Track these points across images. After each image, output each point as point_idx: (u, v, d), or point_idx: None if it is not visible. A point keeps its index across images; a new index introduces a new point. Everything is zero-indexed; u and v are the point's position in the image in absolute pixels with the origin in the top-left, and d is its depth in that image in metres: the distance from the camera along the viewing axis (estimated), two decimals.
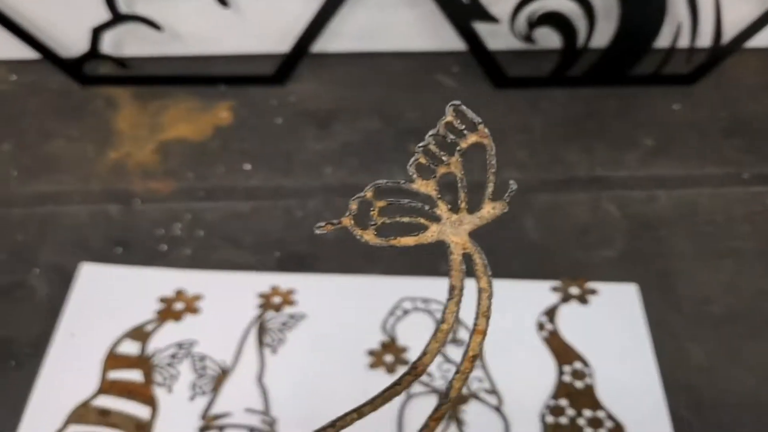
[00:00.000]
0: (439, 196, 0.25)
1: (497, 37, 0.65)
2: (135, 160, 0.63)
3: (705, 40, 0.64)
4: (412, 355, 0.49)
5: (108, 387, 0.48)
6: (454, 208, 0.25)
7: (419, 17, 0.67)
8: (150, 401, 0.47)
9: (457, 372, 0.23)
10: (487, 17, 0.63)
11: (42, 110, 0.67)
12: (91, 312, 0.52)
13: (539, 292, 0.53)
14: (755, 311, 0.52)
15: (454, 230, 0.24)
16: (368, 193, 0.24)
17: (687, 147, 0.63)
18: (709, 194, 0.59)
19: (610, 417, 0.47)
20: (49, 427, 0.46)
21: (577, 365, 0.49)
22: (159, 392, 0.48)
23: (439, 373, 0.49)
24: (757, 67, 0.69)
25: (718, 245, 0.56)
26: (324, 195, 0.60)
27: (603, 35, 0.64)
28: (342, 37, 0.68)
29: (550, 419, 0.47)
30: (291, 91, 0.68)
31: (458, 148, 0.24)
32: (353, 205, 0.24)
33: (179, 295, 0.53)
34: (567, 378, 0.48)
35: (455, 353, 0.50)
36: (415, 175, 0.24)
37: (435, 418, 0.23)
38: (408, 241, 0.24)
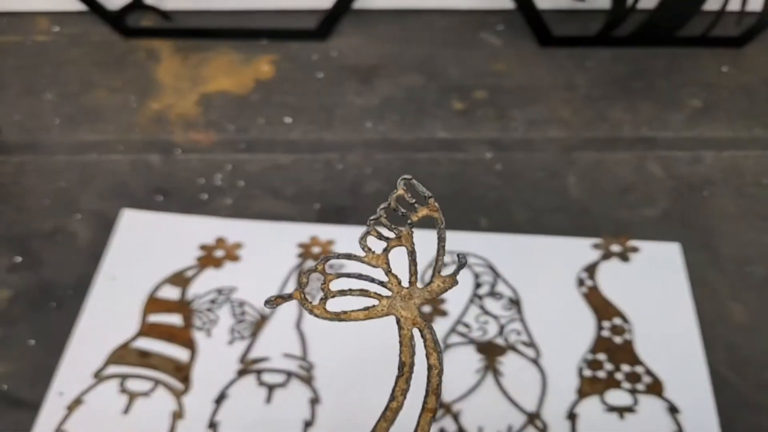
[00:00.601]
0: (389, 269, 0.24)
1: None
2: (176, 112, 0.63)
3: (756, 3, 0.62)
4: (449, 307, 0.49)
5: (148, 330, 0.49)
6: (405, 282, 0.24)
7: None
8: (189, 344, 0.48)
9: None
10: None
11: (84, 61, 0.68)
12: (131, 257, 0.52)
13: (580, 249, 0.52)
14: None
15: (404, 304, 0.24)
16: (320, 267, 0.24)
17: (734, 109, 0.62)
18: (756, 156, 0.58)
19: (649, 372, 0.46)
20: (89, 367, 0.47)
21: (617, 321, 0.48)
22: (198, 336, 0.48)
23: (476, 324, 0.48)
24: None
25: (763, 207, 0.55)
26: (364, 149, 0.59)
27: None
28: None
29: (587, 373, 0.46)
30: (332, 46, 0.68)
31: (409, 221, 0.24)
32: (304, 279, 0.24)
33: (220, 242, 0.53)
34: (606, 333, 0.48)
35: (493, 306, 0.49)
36: (366, 249, 0.24)
37: None
38: (358, 315, 0.24)
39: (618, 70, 0.65)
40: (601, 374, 0.46)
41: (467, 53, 0.67)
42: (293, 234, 0.54)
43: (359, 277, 0.25)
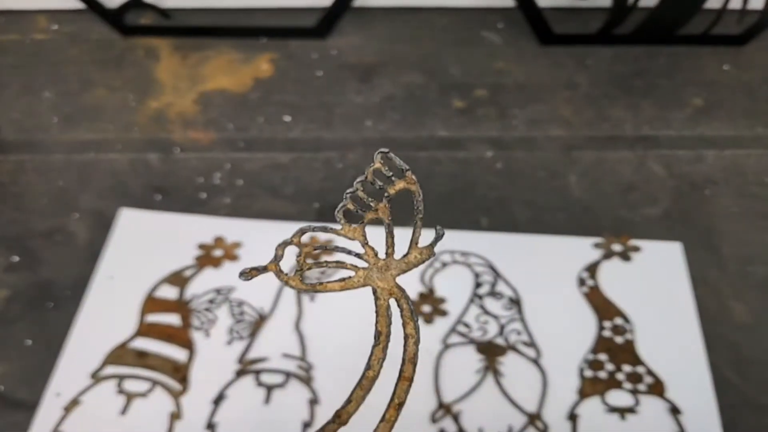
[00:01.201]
0: (365, 242, 0.24)
1: None
2: (175, 110, 0.63)
3: (757, 1, 0.62)
4: (450, 306, 0.49)
5: (146, 330, 0.48)
6: (381, 254, 0.24)
7: None
8: (187, 344, 0.48)
9: (382, 420, 0.23)
10: None
11: (83, 60, 0.67)
12: (130, 256, 0.52)
13: (581, 248, 0.52)
14: None
15: (380, 275, 0.24)
16: (295, 239, 0.24)
17: (736, 108, 0.61)
18: (757, 155, 0.58)
19: (650, 372, 0.46)
20: (87, 368, 0.47)
21: (618, 321, 0.48)
22: (196, 336, 0.48)
23: (476, 324, 0.48)
24: None
25: (765, 206, 0.55)
26: (364, 148, 0.59)
27: None
28: None
29: (588, 373, 0.46)
30: (332, 44, 0.68)
31: (386, 194, 0.24)
32: (279, 251, 0.24)
33: (218, 242, 0.53)
34: (607, 333, 0.48)
35: (494, 306, 0.49)
36: (342, 221, 0.24)
37: None
38: (334, 286, 0.24)
39: (619, 69, 0.64)
40: (602, 374, 0.46)
41: (468, 51, 0.66)
42: (292, 233, 0.53)
43: (336, 249, 0.25)
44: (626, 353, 0.47)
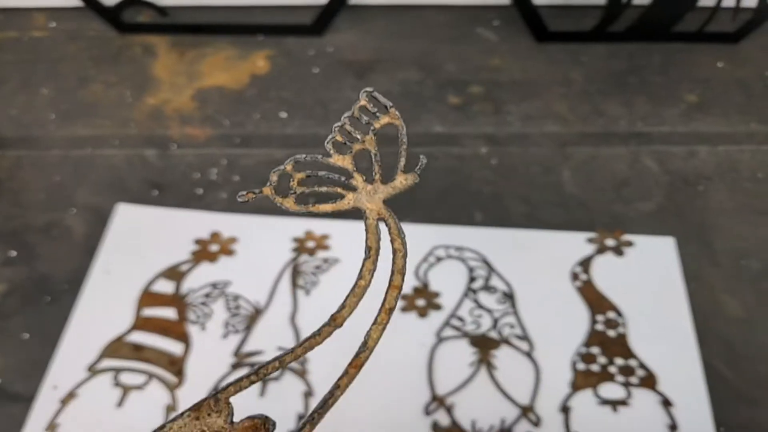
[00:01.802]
0: (354, 169, 0.25)
1: None
2: (172, 107, 0.63)
3: None
4: (444, 300, 0.49)
5: (142, 323, 0.49)
6: (369, 180, 0.25)
7: None
8: (183, 338, 0.48)
9: (374, 323, 0.24)
10: None
11: (80, 57, 0.68)
12: (126, 251, 0.52)
13: (574, 243, 0.52)
14: None
15: (369, 198, 0.25)
16: (288, 166, 0.25)
17: (730, 104, 0.61)
18: (751, 151, 0.58)
19: (642, 366, 0.46)
20: (83, 361, 0.47)
21: (611, 315, 0.49)
22: (192, 330, 0.48)
23: (470, 318, 0.48)
24: None
25: (759, 202, 0.55)
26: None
27: None
28: None
29: (581, 366, 0.46)
30: (329, 41, 0.68)
31: (372, 128, 0.25)
32: (273, 177, 0.25)
33: (214, 237, 0.53)
34: (600, 327, 0.48)
35: (488, 300, 0.49)
36: (332, 151, 0.25)
37: (354, 365, 0.24)
38: (326, 207, 0.25)
39: (614, 66, 0.65)
40: (595, 367, 0.46)
41: (463, 48, 0.67)
42: (288, 228, 0.54)
43: (327, 175, 0.26)
44: (619, 346, 0.47)
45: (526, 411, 0.44)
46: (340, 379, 0.24)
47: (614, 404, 0.45)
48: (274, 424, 0.23)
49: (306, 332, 0.47)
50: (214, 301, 0.50)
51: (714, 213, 0.54)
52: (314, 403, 0.45)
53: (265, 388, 0.45)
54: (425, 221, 0.54)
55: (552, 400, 0.45)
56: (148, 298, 0.50)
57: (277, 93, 0.64)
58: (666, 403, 0.45)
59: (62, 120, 0.62)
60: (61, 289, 0.51)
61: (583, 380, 0.46)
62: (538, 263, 0.51)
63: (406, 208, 0.54)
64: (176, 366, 0.47)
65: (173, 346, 0.47)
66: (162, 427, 0.22)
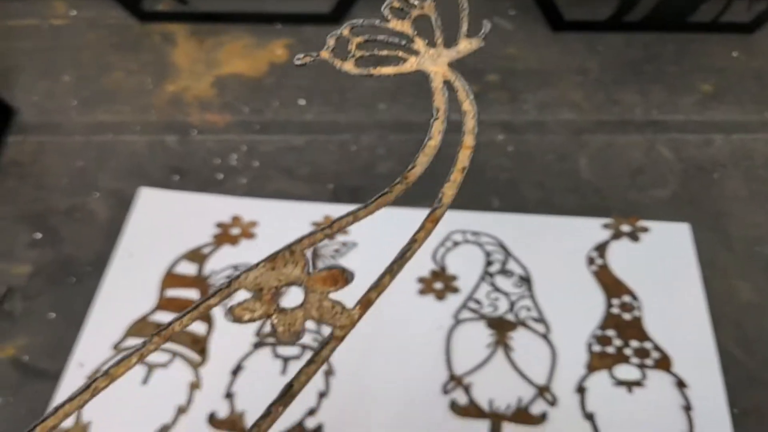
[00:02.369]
0: (415, 33, 0.25)
1: None
2: (192, 94, 0.64)
3: None
4: (462, 284, 0.50)
5: (165, 304, 0.50)
6: (431, 44, 0.25)
7: None
8: (206, 318, 0.49)
9: (447, 181, 0.24)
10: None
11: (100, 44, 0.68)
12: (149, 234, 0.53)
13: (590, 229, 0.53)
14: None
15: (433, 61, 0.25)
16: (345, 31, 0.25)
17: (745, 93, 0.62)
18: (765, 140, 0.59)
19: (657, 348, 0.47)
20: (108, 339, 0.48)
21: (626, 298, 0.49)
22: (215, 310, 0.49)
23: (487, 301, 0.49)
24: None
25: None
26: (378, 130, 0.60)
27: None
28: None
29: (596, 348, 0.47)
30: None
31: None
32: (330, 41, 0.25)
33: (235, 220, 0.54)
34: (615, 310, 0.49)
35: (504, 283, 0.50)
36: (390, 17, 0.25)
37: (431, 220, 0.24)
38: (388, 70, 0.25)
39: (629, 55, 0.65)
40: (610, 349, 0.47)
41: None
42: (307, 213, 0.54)
43: (387, 40, 0.25)
44: (634, 329, 0.48)
45: (543, 391, 0.45)
46: (417, 233, 0.24)
47: (629, 385, 0.45)
48: (352, 274, 0.23)
49: None
50: None
51: (728, 200, 0.55)
52: (334, 381, 0.46)
53: (286, 367, 0.46)
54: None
55: (568, 381, 0.46)
56: (172, 279, 0.51)
57: (295, 80, 0.65)
58: (681, 384, 0.45)
59: (84, 106, 0.63)
60: (86, 271, 0.52)
61: (598, 362, 0.46)
62: (554, 248, 0.52)
63: (424, 193, 0.55)
64: (199, 345, 0.47)
65: (196, 326, 0.48)
66: (237, 276, 0.22)
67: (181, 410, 0.45)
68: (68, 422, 0.45)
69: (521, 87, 0.63)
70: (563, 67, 0.64)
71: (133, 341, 0.48)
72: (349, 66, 0.25)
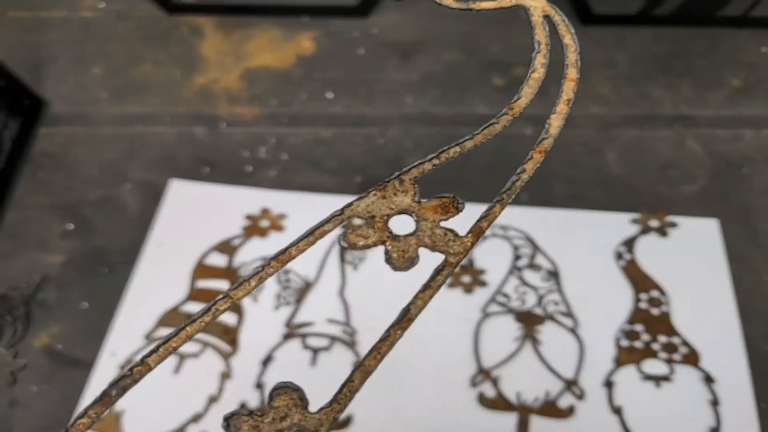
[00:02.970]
0: None
1: None
2: (220, 86, 0.64)
3: None
4: (489, 277, 0.50)
5: (196, 294, 0.50)
6: None
7: None
8: (236, 309, 0.49)
9: (553, 113, 0.24)
10: None
11: (129, 37, 0.69)
12: (180, 225, 0.54)
13: (619, 224, 0.53)
14: None
15: None
16: None
17: None
18: None
19: (685, 343, 0.47)
20: (140, 329, 0.49)
21: (654, 293, 0.49)
22: (245, 301, 0.50)
23: (515, 295, 0.49)
24: None
25: None
26: (405, 124, 0.60)
27: None
28: None
29: (624, 342, 0.47)
30: (373, 23, 0.69)
31: None
32: None
33: (264, 213, 0.54)
34: (643, 305, 0.49)
35: (532, 277, 0.50)
36: None
37: (539, 150, 0.24)
38: (487, 5, 0.25)
39: (658, 49, 0.65)
40: (638, 344, 0.47)
41: (508, 30, 0.67)
42: (336, 205, 0.54)
43: None
44: (662, 324, 0.48)
45: (571, 384, 0.45)
46: (525, 163, 0.25)
47: (657, 380, 0.46)
48: (463, 203, 0.23)
49: (355, 306, 0.48)
50: None
51: (758, 195, 0.55)
52: None
53: (315, 358, 0.47)
54: (470, 200, 0.54)
55: (596, 375, 0.46)
56: (202, 270, 0.51)
57: (323, 74, 0.65)
58: (708, 379, 0.45)
59: (114, 98, 0.64)
60: (118, 261, 0.53)
61: (626, 356, 0.47)
62: (582, 243, 0.52)
63: (452, 186, 0.55)
64: (230, 335, 0.48)
65: (227, 317, 0.49)
66: (349, 204, 0.23)
67: (213, 399, 0.46)
68: None
69: (550, 80, 0.63)
70: (592, 61, 0.64)
71: (165, 331, 0.48)
72: (449, 1, 0.25)
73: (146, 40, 0.69)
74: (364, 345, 0.47)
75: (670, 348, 0.47)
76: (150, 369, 0.21)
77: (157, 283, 0.51)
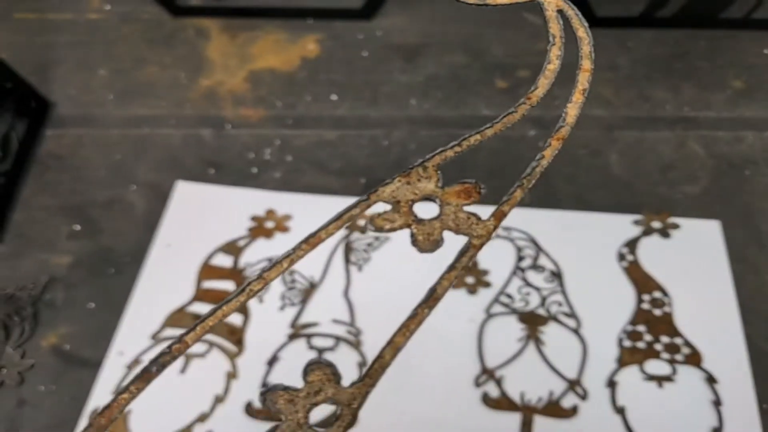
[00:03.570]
0: None
1: None
2: (226, 88, 0.65)
3: None
4: (493, 278, 0.51)
5: (202, 295, 0.51)
6: None
7: None
8: (242, 309, 0.50)
9: (570, 102, 0.25)
10: None
11: (135, 39, 0.69)
12: (186, 226, 0.54)
13: (621, 225, 0.53)
14: None
15: None
16: None
17: None
18: None
19: (688, 344, 0.47)
20: (147, 329, 0.49)
21: (657, 294, 0.50)
22: (251, 302, 0.50)
23: (519, 295, 0.50)
24: None
25: None
26: (409, 126, 0.61)
27: None
28: None
29: (627, 343, 0.48)
30: (377, 25, 0.69)
31: None
32: None
33: (270, 214, 0.55)
34: (646, 306, 0.49)
35: (536, 278, 0.51)
36: None
37: (557, 138, 0.24)
38: (503, 0, 0.26)
39: (660, 52, 0.65)
40: (641, 345, 0.47)
41: (511, 33, 0.68)
42: (341, 207, 0.55)
43: None
44: (664, 325, 0.48)
45: (574, 385, 0.46)
46: (543, 150, 0.25)
47: (660, 380, 0.46)
48: (484, 187, 0.24)
49: (359, 306, 0.49)
50: None
51: (760, 197, 0.55)
52: None
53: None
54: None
55: (599, 375, 0.46)
56: (208, 271, 0.52)
57: (327, 76, 0.65)
58: (710, 379, 0.46)
59: (120, 100, 0.64)
60: (124, 262, 0.53)
61: (629, 356, 0.47)
62: (585, 244, 0.53)
63: None
64: (236, 336, 0.49)
65: (233, 317, 0.49)
66: (375, 190, 0.24)
67: (219, 399, 0.46)
68: None
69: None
70: (594, 63, 0.64)
71: (171, 331, 0.49)
72: None
73: (152, 42, 0.69)
74: (369, 345, 0.48)
75: (672, 348, 0.47)
76: (188, 346, 0.22)
77: (163, 284, 0.51)
